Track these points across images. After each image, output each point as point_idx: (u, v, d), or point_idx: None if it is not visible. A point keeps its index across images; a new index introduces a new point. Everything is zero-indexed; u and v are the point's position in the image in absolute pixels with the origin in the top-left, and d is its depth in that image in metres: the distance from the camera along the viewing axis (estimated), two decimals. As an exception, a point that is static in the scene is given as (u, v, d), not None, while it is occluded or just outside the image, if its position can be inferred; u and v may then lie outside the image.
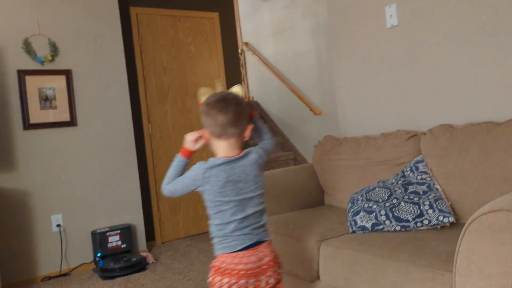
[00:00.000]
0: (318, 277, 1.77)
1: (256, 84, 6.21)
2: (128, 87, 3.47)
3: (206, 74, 4.14)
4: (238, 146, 1.42)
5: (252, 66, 6.27)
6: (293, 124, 5.52)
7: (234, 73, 4.36)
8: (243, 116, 1.39)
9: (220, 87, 1.48)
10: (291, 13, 5.38)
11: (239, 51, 5.48)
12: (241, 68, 5.28)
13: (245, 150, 1.44)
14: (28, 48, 3.06)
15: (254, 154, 1.44)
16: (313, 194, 2.53)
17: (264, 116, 6.04)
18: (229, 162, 1.36)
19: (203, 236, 3.85)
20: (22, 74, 3.04)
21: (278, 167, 4.59)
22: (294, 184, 2.49)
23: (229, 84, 4.31)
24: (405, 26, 2.33)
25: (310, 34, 5.10)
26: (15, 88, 3.01)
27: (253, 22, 6.10)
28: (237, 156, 1.39)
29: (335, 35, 2.82)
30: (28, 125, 3.04)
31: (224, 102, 1.36)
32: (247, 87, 6.38)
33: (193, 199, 3.96)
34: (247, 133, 1.42)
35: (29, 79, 3.06)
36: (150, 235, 3.66)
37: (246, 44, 6.25)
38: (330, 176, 2.44)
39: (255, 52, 6.06)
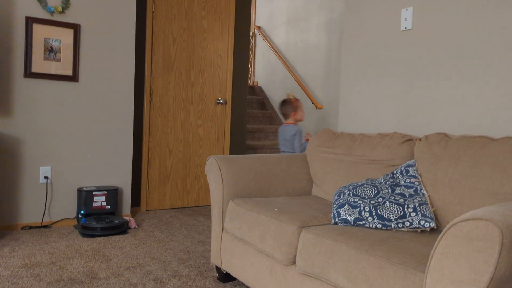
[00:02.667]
0: (294, 262, 1.79)
1: (263, 70, 6.18)
2: (134, 51, 3.45)
3: (215, 51, 4.13)
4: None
5: (261, 51, 6.24)
6: (293, 115, 5.52)
7: (242, 54, 4.35)
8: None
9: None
10: (308, 3, 5.35)
11: (251, 33, 5.44)
12: (250, 51, 5.26)
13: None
14: (40, -4, 3.03)
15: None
16: (302, 183, 2.55)
17: (267, 103, 6.04)
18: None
19: (188, 210, 3.88)
20: (30, 21, 3.01)
21: (272, 154, 4.60)
22: (285, 171, 2.51)
23: (235, 65, 4.29)
24: (418, 30, 2.33)
25: (323, 27, 5.08)
26: (22, 35, 2.99)
27: (269, 7, 6.05)
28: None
29: (348, 31, 2.81)
30: (29, 73, 3.02)
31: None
32: (253, 71, 6.36)
33: (183, 172, 3.97)
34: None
35: (36, 28, 3.03)
36: (135, 201, 3.68)
37: (259, 28, 6.21)
38: (321, 167, 2.46)
39: (266, 37, 6.03)
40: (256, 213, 2.03)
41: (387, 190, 1.88)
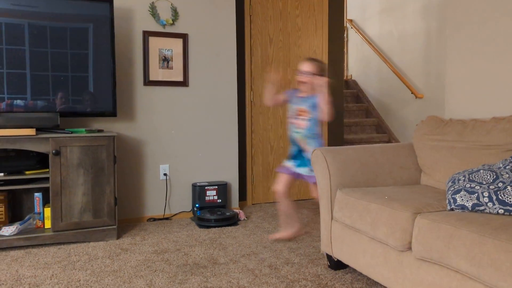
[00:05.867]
0: (409, 248, 1.80)
1: (356, 63, 6.11)
2: (236, 55, 3.67)
3: (310, 47, 4.21)
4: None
5: (353, 44, 6.18)
6: (391, 106, 5.39)
7: (337, 49, 4.37)
8: None
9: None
10: (402, -9, 5.19)
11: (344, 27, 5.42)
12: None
13: None
14: (153, 11, 3.38)
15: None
16: (409, 173, 2.52)
17: (362, 96, 5.96)
18: None
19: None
20: (146, 34, 3.37)
21: (371, 147, 4.54)
22: (391, 161, 2.50)
23: (330, 60, 4.33)
24: (535, 5, 2.18)
25: (420, 14, 4.89)
26: (140, 47, 3.36)
27: (360, -1, 5.97)
28: None
29: (452, 16, 2.71)
30: (148, 81, 3.38)
31: None
32: (346, 64, 6.31)
33: (285, 167, 4.11)
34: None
35: (152, 40, 3.38)
36: (242, 195, 3.90)
37: (351, 21, 6.15)
38: (430, 156, 2.41)
39: (358, 29, 5.95)
40: (366, 201, 2.07)
41: (508, 175, 1.81)
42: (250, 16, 3.94)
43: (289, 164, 2.80)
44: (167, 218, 3.42)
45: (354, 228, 2.15)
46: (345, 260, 2.24)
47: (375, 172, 2.43)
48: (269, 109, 4.04)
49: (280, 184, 2.79)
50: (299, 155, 2.77)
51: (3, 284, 2.15)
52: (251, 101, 3.97)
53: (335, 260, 2.36)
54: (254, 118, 3.99)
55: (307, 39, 4.19)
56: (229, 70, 3.65)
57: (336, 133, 4.39)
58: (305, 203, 4.03)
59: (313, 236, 2.95)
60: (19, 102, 2.80)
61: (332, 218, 2.34)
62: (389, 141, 5.21)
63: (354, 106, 5.73)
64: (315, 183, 2.60)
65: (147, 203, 3.41)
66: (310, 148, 2.71)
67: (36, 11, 2.85)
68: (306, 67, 2.77)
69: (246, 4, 3.91)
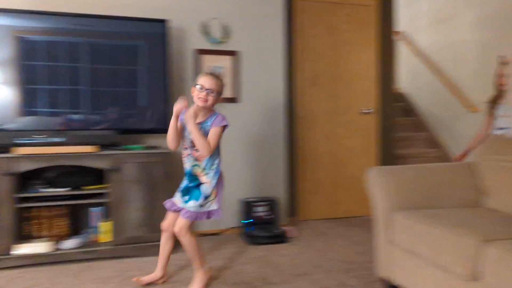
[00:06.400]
0: (478, 278, 1.71)
1: (406, 76, 5.96)
2: (283, 70, 3.68)
3: (359, 62, 4.15)
4: None
5: (402, 57, 6.03)
6: (443, 120, 5.21)
7: (386, 62, 4.28)
8: None
9: None
10: (452, 2, 5.04)
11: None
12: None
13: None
14: (205, 30, 3.45)
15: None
16: (469, 194, 2.41)
17: (411, 110, 5.80)
18: None
19: (340, 221, 3.93)
20: (198, 52, 3.44)
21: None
22: (450, 181, 2.40)
23: (379, 74, 4.25)
24: None
25: (473, 24, 4.71)
26: (191, 65, 3.43)
27: (408, 11, 5.84)
28: None
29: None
30: (199, 99, 3.44)
31: None
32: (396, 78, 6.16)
33: (332, 183, 4.05)
34: None
35: (203, 57, 3.45)
36: (290, 211, 3.87)
37: (400, 33, 6.02)
38: (496, 177, 2.29)
39: (408, 42, 5.82)
40: (427, 225, 1.99)
41: None
42: (299, 32, 3.93)
43: (178, 199, 2.37)
44: (216, 234, 3.45)
45: (414, 253, 2.07)
46: (402, 285, 2.16)
47: (433, 193, 2.35)
48: (316, 124, 4.01)
49: (166, 222, 2.40)
50: (192, 189, 2.32)
51: (65, 297, 2.24)
52: (299, 115, 3.95)
53: (392, 285, 2.28)
54: (302, 133, 3.96)
55: (356, 54, 4.13)
56: (277, 85, 3.66)
57: (387, 149, 4.28)
58: (356, 220, 3.95)
59: (365, 257, 2.87)
60: (77, 119, 2.93)
61: (389, 241, 2.27)
62: (440, 156, 5.02)
63: (403, 120, 5.57)
64: (187, 218, 2.25)
65: (197, 218, 3.45)
66: (209, 180, 2.30)
67: (94, 30, 2.99)
68: (207, 82, 2.27)
69: (294, 20, 3.91)
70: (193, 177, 2.33)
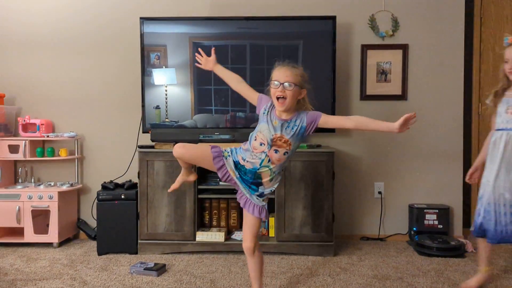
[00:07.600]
0: None
1: None
2: (463, 63, 3.27)
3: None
4: None
5: None
6: None
7: None
8: None
9: None
10: None
11: None
12: None
13: None
14: (372, 24, 3.27)
15: None
16: None
17: None
18: None
19: None
20: (365, 48, 3.28)
21: None
22: None
23: None
24: None
25: None
26: (358, 61, 3.30)
27: None
28: None
29: None
30: (364, 96, 3.30)
31: None
32: None
33: None
34: None
35: (370, 53, 3.28)
36: (466, 222, 3.44)
37: None
38: None
39: None
40: None
41: None
42: (481, 18, 3.45)
43: (245, 190, 2.00)
44: (381, 239, 3.25)
45: None
46: None
47: None
48: (501, 124, 3.46)
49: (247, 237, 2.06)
50: (255, 184, 1.98)
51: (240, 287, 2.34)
52: (479, 113, 3.47)
53: None
54: (483, 134, 3.47)
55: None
56: (454, 81, 3.28)
57: None
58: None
59: None
60: (242, 117, 3.06)
61: None
62: None
63: None
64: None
65: (360, 221, 3.31)
66: (272, 186, 1.99)
67: (260, 32, 3.08)
68: (286, 75, 1.89)
69: (475, 6, 3.44)
70: (254, 175, 1.96)
